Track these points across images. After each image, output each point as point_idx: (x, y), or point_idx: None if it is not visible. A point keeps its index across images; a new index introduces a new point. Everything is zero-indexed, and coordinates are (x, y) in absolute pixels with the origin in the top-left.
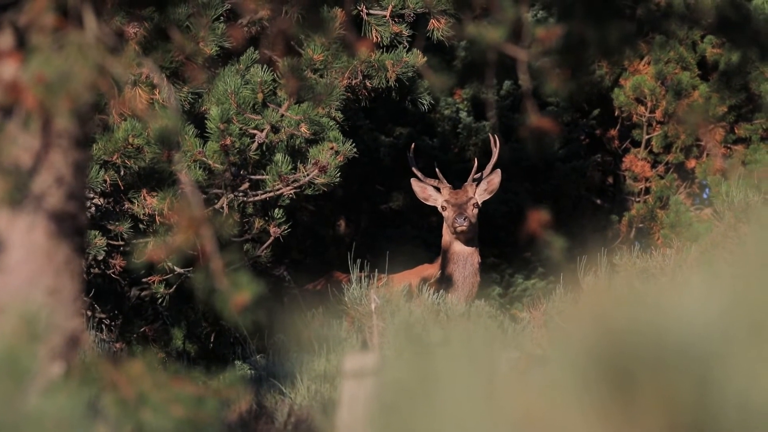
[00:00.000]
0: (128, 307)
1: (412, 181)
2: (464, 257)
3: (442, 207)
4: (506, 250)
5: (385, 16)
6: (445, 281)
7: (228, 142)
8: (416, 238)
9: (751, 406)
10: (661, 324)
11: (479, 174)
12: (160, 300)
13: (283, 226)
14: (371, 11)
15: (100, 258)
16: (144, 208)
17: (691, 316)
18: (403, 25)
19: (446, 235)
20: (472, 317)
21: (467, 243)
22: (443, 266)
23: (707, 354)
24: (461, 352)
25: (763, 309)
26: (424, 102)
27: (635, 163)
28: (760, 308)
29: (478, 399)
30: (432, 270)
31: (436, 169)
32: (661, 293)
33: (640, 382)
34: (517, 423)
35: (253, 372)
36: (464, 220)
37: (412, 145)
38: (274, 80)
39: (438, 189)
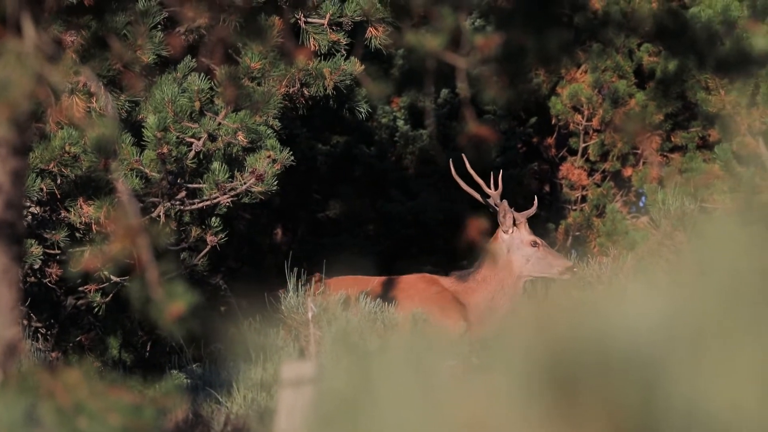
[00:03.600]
0: (64, 316)
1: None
2: (518, 292)
3: (533, 243)
4: (443, 258)
5: (323, 25)
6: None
7: (165, 150)
8: (353, 246)
9: (694, 411)
10: (602, 331)
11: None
12: (96, 309)
13: (220, 235)
14: (309, 19)
15: (36, 267)
16: (80, 216)
17: (633, 324)
18: (341, 34)
19: (516, 268)
20: (409, 325)
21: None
22: (479, 294)
23: (651, 361)
24: (399, 360)
25: (702, 317)
26: (362, 110)
27: (572, 171)
28: (698, 316)
29: (417, 407)
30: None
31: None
32: (599, 301)
33: (584, 388)
34: (458, 431)
35: (189, 381)
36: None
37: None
38: (211, 88)
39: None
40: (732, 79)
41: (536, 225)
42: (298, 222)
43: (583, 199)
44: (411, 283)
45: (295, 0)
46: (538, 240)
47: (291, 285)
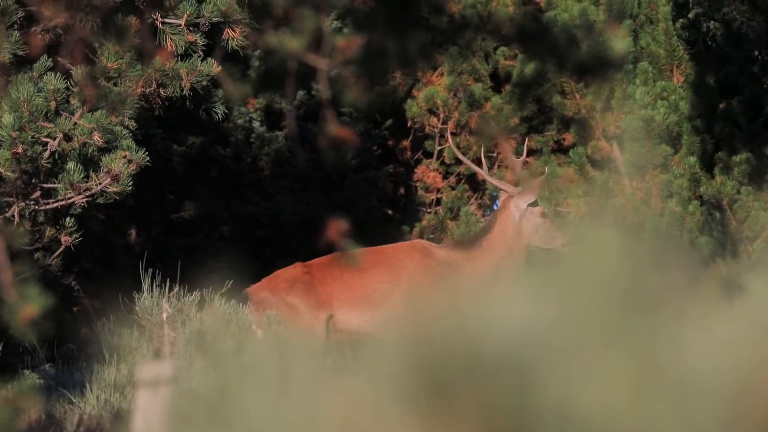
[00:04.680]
0: None
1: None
2: (522, 261)
3: (542, 213)
4: (297, 260)
5: (180, 25)
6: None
7: (20, 150)
8: (208, 247)
9: (567, 413)
10: (474, 333)
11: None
12: None
13: (74, 235)
14: (166, 20)
15: None
16: None
17: (505, 327)
18: (198, 34)
19: (525, 237)
20: (263, 326)
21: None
22: (484, 262)
23: (524, 363)
24: (256, 360)
25: (573, 320)
26: (218, 111)
27: (427, 174)
28: (569, 319)
29: (277, 407)
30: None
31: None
32: (468, 303)
33: (457, 391)
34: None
35: (42, 381)
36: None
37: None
38: (67, 88)
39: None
40: (589, 83)
41: (391, 227)
42: (152, 223)
43: (438, 201)
44: (404, 251)
45: (152, 0)
46: (545, 212)
47: (145, 286)
